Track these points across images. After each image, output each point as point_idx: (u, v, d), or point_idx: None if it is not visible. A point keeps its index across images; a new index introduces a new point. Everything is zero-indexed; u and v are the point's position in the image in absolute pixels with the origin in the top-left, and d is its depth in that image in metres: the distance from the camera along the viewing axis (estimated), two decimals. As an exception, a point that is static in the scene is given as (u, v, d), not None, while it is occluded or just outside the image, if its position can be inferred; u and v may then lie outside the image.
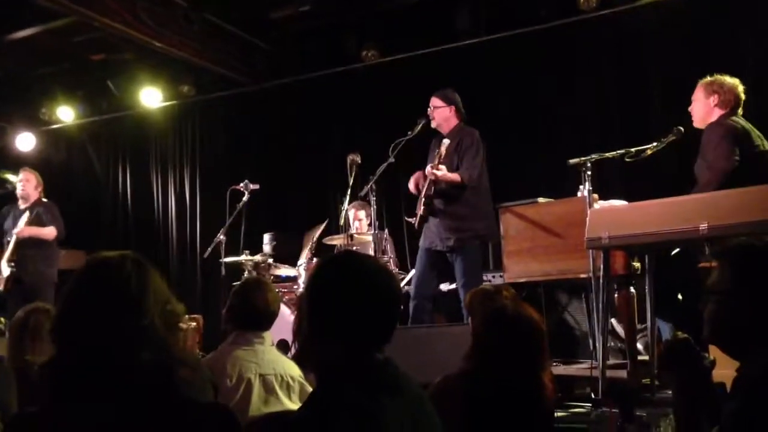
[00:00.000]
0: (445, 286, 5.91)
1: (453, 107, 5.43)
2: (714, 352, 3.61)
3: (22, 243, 6.21)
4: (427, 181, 5.23)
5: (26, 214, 6.18)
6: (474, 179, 5.18)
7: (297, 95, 8.31)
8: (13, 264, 6.21)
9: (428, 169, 5.10)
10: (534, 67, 7.14)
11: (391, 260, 6.11)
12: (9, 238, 6.26)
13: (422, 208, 5.27)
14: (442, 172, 5.05)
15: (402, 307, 5.38)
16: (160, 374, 1.46)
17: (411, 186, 5.44)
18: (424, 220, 5.32)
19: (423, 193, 5.26)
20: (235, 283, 3.66)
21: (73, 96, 9.25)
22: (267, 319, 3.02)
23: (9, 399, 2.32)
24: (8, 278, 6.22)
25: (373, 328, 1.66)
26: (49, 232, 6.34)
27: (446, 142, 5.10)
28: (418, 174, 5.42)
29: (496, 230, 5.09)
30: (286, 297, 6.20)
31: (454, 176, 5.10)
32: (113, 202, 9.83)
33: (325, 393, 1.63)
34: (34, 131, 9.45)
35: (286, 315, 5.84)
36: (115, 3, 6.86)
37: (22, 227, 6.14)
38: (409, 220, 5.57)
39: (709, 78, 4.37)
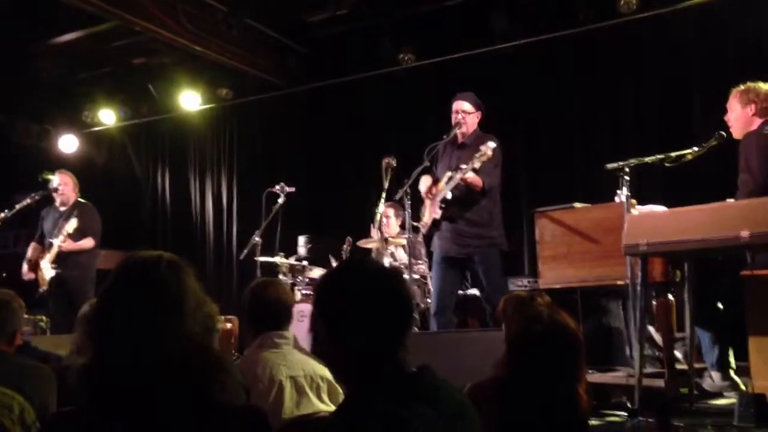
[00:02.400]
0: (475, 291, 5.87)
1: (480, 114, 5.40)
2: (756, 361, 3.54)
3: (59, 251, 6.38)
4: (446, 185, 5.20)
5: (71, 223, 6.26)
6: (493, 187, 5.19)
7: (333, 98, 8.35)
8: (56, 265, 6.34)
9: (459, 172, 5.02)
10: (572, 70, 7.06)
11: (425, 264, 6.09)
12: (51, 240, 6.39)
13: (438, 211, 5.25)
14: (472, 175, 5.01)
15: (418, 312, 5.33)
16: (197, 378, 1.47)
17: (423, 189, 5.42)
18: (436, 224, 5.29)
19: (439, 196, 5.24)
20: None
21: (115, 99, 9.43)
22: (282, 313, 3.00)
23: (48, 401, 2.34)
24: (51, 279, 6.35)
25: (379, 330, 1.63)
26: (88, 243, 6.47)
27: (491, 145, 4.96)
28: (429, 178, 5.40)
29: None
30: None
31: (477, 180, 5.07)
32: (152, 203, 9.99)
33: (355, 400, 1.62)
34: (76, 133, 9.66)
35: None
36: (156, 8, 6.97)
37: (62, 241, 6.26)
38: (416, 224, 5.52)
39: (742, 86, 4.23)
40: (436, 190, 5.35)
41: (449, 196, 5.18)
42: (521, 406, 2.25)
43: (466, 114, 5.33)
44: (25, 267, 6.60)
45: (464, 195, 5.17)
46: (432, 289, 5.41)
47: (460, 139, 5.40)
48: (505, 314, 3.10)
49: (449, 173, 5.27)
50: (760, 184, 3.86)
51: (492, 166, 5.12)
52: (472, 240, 5.17)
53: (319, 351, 1.70)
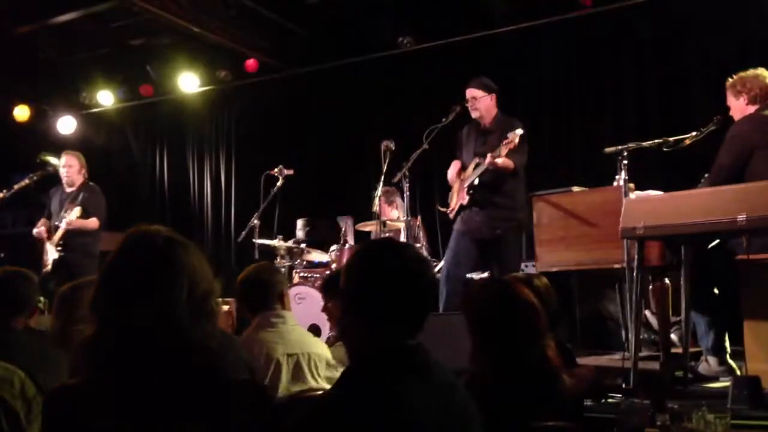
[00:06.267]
0: (476, 275, 5.88)
1: (494, 95, 5.37)
2: (751, 345, 3.56)
3: (64, 233, 6.37)
4: (473, 170, 5.20)
5: (77, 210, 6.28)
6: (521, 168, 5.20)
7: (332, 81, 8.33)
8: (60, 248, 6.35)
9: (489, 158, 4.97)
10: (572, 54, 7.05)
11: (423, 247, 6.10)
12: (57, 222, 6.39)
13: (466, 197, 5.24)
14: (502, 161, 5.00)
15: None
16: (196, 351, 1.48)
17: (452, 174, 5.42)
18: (463, 209, 5.29)
19: (467, 182, 5.23)
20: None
21: (113, 80, 9.40)
22: (270, 292, 3.08)
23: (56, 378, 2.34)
24: (54, 261, 6.36)
25: (406, 315, 1.68)
26: (93, 223, 6.47)
27: (518, 132, 4.89)
28: (457, 163, 5.40)
29: (530, 220, 5.12)
30: (318, 282, 6.23)
31: (509, 163, 5.06)
32: (150, 185, 9.98)
33: (354, 374, 1.65)
34: (74, 115, 9.63)
35: (318, 300, 5.87)
36: (155, -13, 6.95)
37: (71, 219, 6.26)
38: (443, 209, 5.53)
39: (730, 79, 4.26)
40: (464, 176, 5.35)
41: (477, 182, 5.18)
42: (499, 390, 2.25)
43: (475, 100, 5.32)
44: (38, 226, 6.58)
45: (492, 180, 5.17)
46: (445, 257, 5.44)
47: (483, 124, 5.39)
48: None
49: (477, 159, 5.26)
50: (718, 173, 3.94)
51: (520, 146, 5.11)
52: (501, 223, 5.19)
53: (340, 324, 1.73)
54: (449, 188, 5.58)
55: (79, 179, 6.60)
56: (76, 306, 2.71)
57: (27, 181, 6.63)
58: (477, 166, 5.23)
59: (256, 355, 2.86)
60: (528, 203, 4.91)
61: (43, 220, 6.65)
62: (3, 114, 9.34)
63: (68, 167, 6.57)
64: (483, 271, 5.90)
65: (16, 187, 6.58)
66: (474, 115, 5.33)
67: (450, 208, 5.46)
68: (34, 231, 6.58)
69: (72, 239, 6.35)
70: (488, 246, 5.28)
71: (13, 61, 8.56)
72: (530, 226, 5.28)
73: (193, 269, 1.52)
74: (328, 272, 6.48)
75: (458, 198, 5.37)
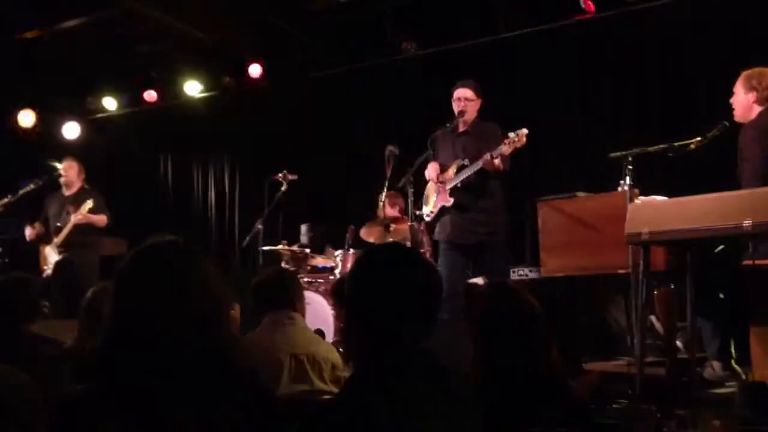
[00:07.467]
0: (479, 280, 5.87)
1: (481, 101, 5.38)
2: (758, 351, 3.55)
3: (70, 230, 6.36)
4: (456, 173, 5.20)
5: (89, 202, 6.28)
6: (508, 172, 5.18)
7: (336, 87, 8.33)
8: (62, 248, 6.35)
9: (487, 156, 4.96)
10: (575, 58, 7.05)
11: (428, 252, 6.10)
12: (59, 224, 6.39)
13: (450, 199, 5.23)
14: (498, 160, 4.98)
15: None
16: (207, 357, 1.49)
17: (432, 174, 5.38)
18: (445, 211, 5.27)
19: (450, 184, 5.22)
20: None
21: (118, 86, 9.42)
22: (292, 295, 3.13)
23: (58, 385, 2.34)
24: (56, 264, 6.37)
25: (413, 320, 1.67)
26: (101, 219, 6.49)
27: (524, 131, 4.87)
28: (436, 164, 5.38)
29: (533, 225, 5.12)
30: (323, 288, 6.23)
31: (501, 165, 5.05)
32: (154, 190, 9.99)
33: (360, 379, 1.65)
34: (79, 120, 9.64)
35: (323, 305, 5.87)
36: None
37: (83, 212, 6.26)
38: (419, 213, 5.50)
39: (749, 71, 4.21)
40: (445, 177, 5.33)
41: (460, 184, 5.18)
42: (503, 396, 2.24)
43: (468, 102, 5.31)
44: (28, 230, 6.56)
45: (476, 183, 5.16)
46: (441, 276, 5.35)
47: (461, 127, 5.39)
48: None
49: (460, 162, 5.24)
50: (759, 165, 3.90)
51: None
52: (483, 227, 5.18)
53: (342, 332, 1.74)
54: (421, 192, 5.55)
55: (77, 183, 6.65)
56: (98, 315, 2.73)
57: (32, 186, 6.66)
58: (461, 168, 5.22)
59: (260, 352, 2.89)
60: (533, 208, 4.90)
61: (37, 224, 6.66)
62: (8, 119, 9.36)
63: (68, 169, 6.64)
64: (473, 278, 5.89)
65: (21, 192, 6.61)
66: (463, 116, 5.30)
67: (429, 211, 5.44)
68: (27, 232, 6.58)
69: (76, 237, 6.34)
70: (471, 253, 5.26)
71: (18, 66, 8.59)
72: (509, 230, 5.30)
73: (207, 276, 1.53)
74: (331, 277, 6.47)
75: (439, 199, 5.36)
